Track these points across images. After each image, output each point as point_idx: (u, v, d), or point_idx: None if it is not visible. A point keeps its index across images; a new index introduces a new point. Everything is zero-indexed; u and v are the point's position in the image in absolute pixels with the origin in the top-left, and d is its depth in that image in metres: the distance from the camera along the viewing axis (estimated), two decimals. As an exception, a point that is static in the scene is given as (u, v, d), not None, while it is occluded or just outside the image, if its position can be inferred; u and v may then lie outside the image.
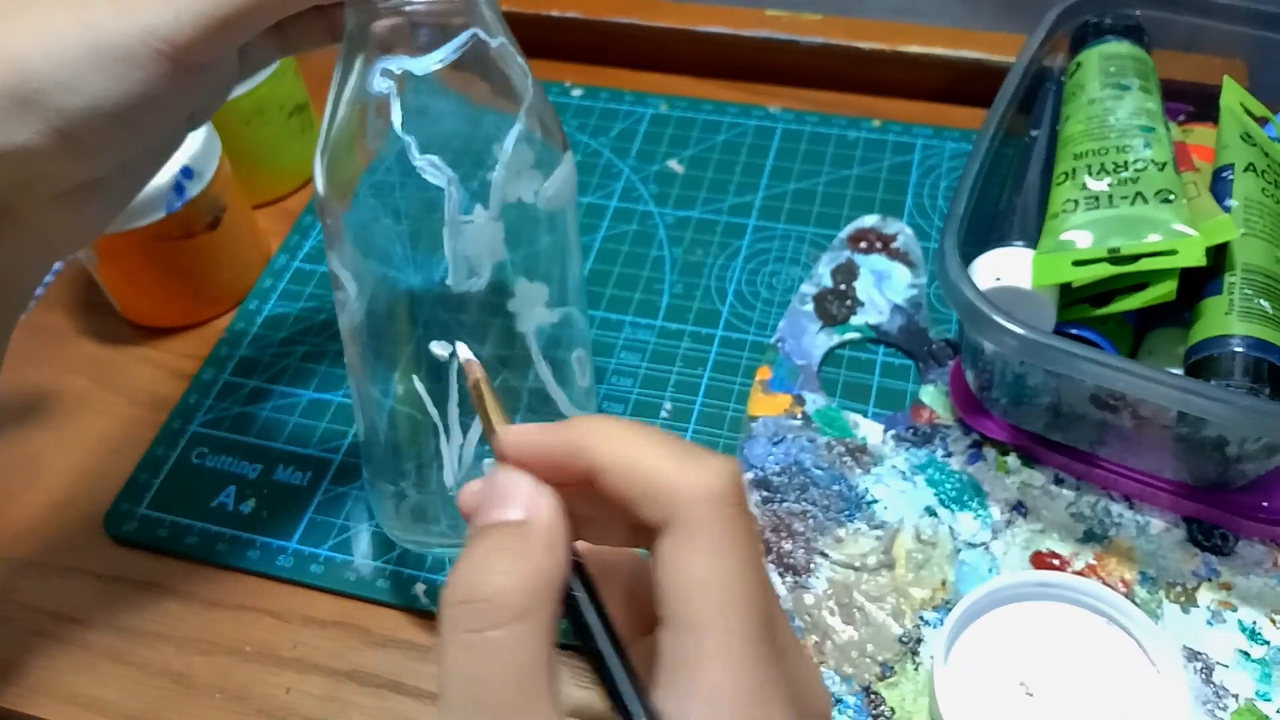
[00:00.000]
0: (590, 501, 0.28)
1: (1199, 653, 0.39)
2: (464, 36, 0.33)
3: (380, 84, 0.33)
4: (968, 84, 0.58)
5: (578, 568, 0.27)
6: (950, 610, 0.38)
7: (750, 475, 0.44)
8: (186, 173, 0.47)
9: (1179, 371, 0.40)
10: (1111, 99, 0.43)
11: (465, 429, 0.36)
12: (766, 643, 0.25)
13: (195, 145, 0.48)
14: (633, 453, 0.26)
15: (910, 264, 0.51)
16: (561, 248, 0.37)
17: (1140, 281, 0.39)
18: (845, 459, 0.45)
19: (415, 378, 0.36)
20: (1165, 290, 0.38)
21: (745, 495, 0.26)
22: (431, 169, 0.33)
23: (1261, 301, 0.38)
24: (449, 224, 0.33)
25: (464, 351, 0.30)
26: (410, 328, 0.36)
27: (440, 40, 0.33)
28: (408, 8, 0.33)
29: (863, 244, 0.52)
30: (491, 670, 0.24)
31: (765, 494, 0.44)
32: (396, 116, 0.33)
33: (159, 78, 0.31)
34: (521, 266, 0.35)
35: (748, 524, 0.26)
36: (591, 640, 0.26)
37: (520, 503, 0.26)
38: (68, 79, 0.30)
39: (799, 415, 0.46)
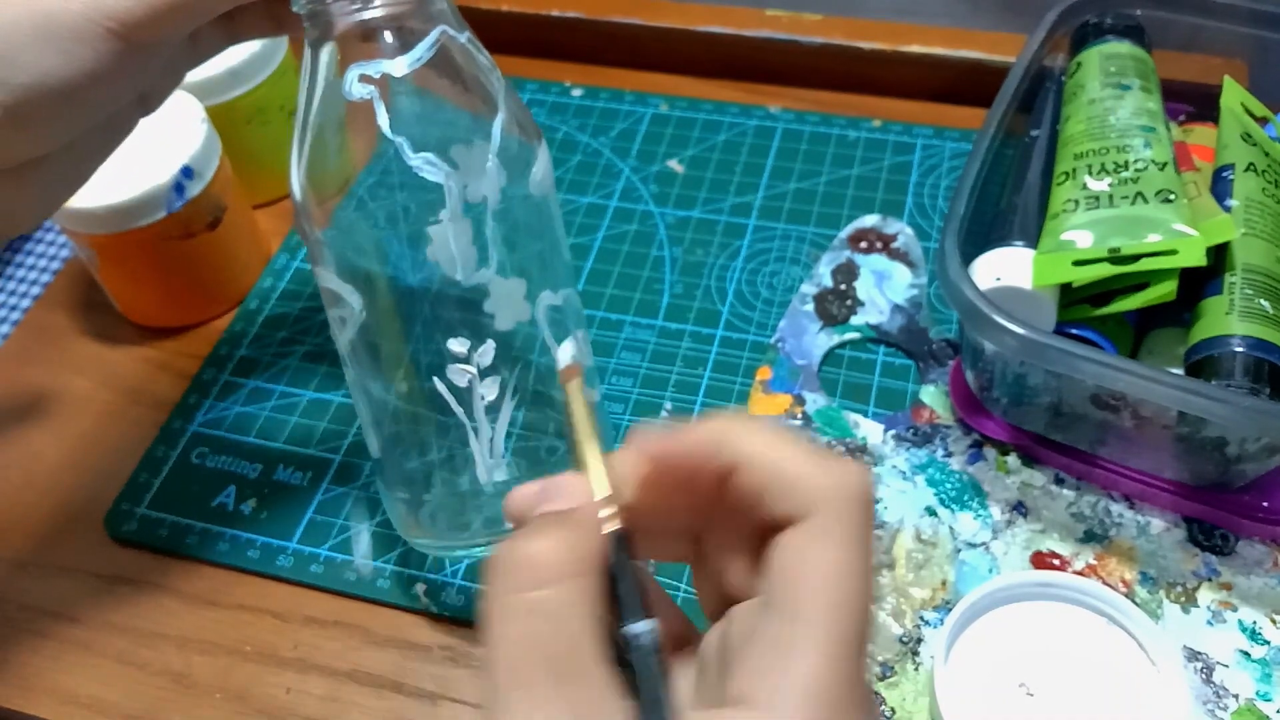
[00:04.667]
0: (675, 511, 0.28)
1: (1199, 653, 0.39)
2: (435, 33, 0.33)
3: (360, 89, 0.33)
4: (968, 84, 0.58)
5: (627, 558, 0.27)
6: (950, 610, 0.38)
7: (750, 475, 0.44)
8: (187, 173, 0.47)
9: (1179, 371, 0.40)
10: (1112, 99, 0.43)
11: (493, 423, 0.36)
12: (863, 648, 0.25)
13: (195, 145, 0.48)
14: (776, 448, 0.27)
15: (910, 264, 0.51)
16: (551, 233, 0.37)
17: (1141, 281, 0.39)
18: (846, 459, 0.45)
19: (436, 379, 0.36)
20: (1166, 290, 0.38)
21: (873, 503, 0.27)
22: (429, 166, 0.33)
23: (1262, 301, 0.38)
24: (452, 218, 0.33)
25: (566, 354, 0.31)
26: (411, 330, 0.36)
27: (401, 43, 0.33)
28: (366, 14, 0.33)
29: (863, 244, 0.52)
30: (544, 627, 0.24)
31: (765, 494, 0.44)
32: (384, 119, 0.33)
33: (107, 55, 0.31)
34: (515, 256, 0.35)
35: (871, 531, 0.26)
36: (630, 626, 0.26)
37: (573, 496, 0.27)
38: (12, 53, 0.30)
39: (799, 415, 0.46)
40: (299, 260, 0.55)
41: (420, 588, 0.42)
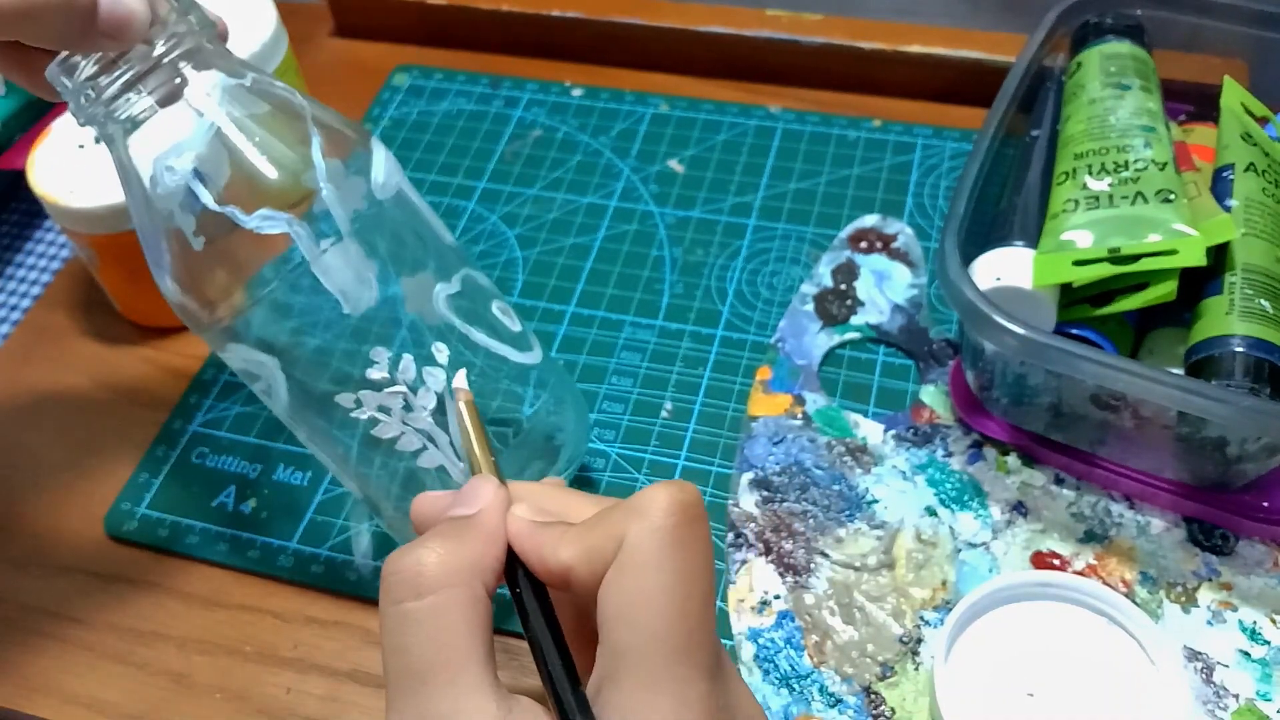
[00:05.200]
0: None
1: (1199, 653, 0.39)
2: (205, 125, 0.32)
3: (171, 179, 0.32)
4: (968, 84, 0.58)
5: (527, 575, 0.28)
6: (951, 610, 0.38)
7: (750, 475, 0.44)
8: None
9: (1179, 371, 0.40)
10: (1112, 99, 0.43)
11: (444, 427, 0.36)
12: (691, 664, 0.26)
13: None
14: (587, 535, 0.27)
15: (911, 264, 0.51)
16: (419, 223, 0.37)
17: (1141, 281, 0.39)
18: (845, 459, 0.45)
19: (375, 412, 0.35)
20: (1166, 290, 0.38)
21: (691, 514, 0.27)
22: (265, 222, 0.32)
23: (1262, 301, 0.38)
24: (312, 261, 0.33)
25: (460, 380, 0.32)
26: (339, 369, 0.35)
27: (171, 82, 0.33)
28: (138, 106, 0.32)
29: (863, 244, 0.52)
30: (413, 639, 0.26)
31: (765, 494, 0.44)
32: (206, 195, 0.32)
33: None
34: (396, 260, 0.35)
35: (690, 543, 0.26)
36: (532, 633, 0.27)
37: (478, 503, 0.28)
38: None
39: (799, 415, 0.46)
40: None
41: (420, 588, 0.42)
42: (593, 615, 0.27)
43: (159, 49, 0.32)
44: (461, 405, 0.31)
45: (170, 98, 0.33)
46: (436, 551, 0.26)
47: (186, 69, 0.33)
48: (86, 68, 0.32)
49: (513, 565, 0.28)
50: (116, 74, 0.32)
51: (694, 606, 0.26)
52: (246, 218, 0.32)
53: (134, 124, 0.32)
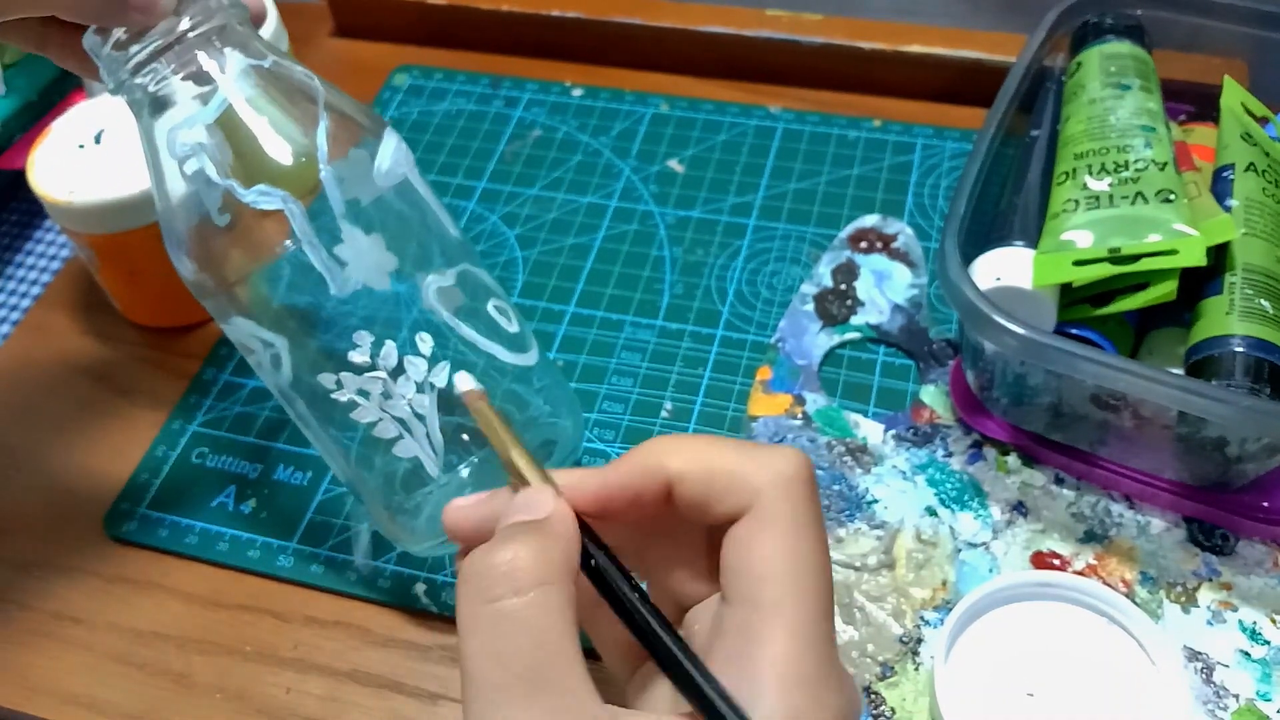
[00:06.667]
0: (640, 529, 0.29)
1: (1199, 653, 0.39)
2: (218, 99, 0.34)
3: (183, 148, 0.33)
4: (968, 84, 0.58)
5: (621, 570, 0.28)
6: (951, 610, 0.38)
7: (750, 475, 0.44)
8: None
9: (1179, 371, 0.40)
10: (1112, 99, 0.43)
11: (421, 417, 0.36)
12: (827, 623, 0.26)
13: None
14: (706, 454, 0.27)
15: (911, 264, 0.51)
16: (422, 214, 0.37)
17: (1141, 281, 0.39)
18: (846, 459, 0.45)
19: (354, 395, 0.36)
20: (1166, 290, 0.38)
21: (816, 482, 0.27)
22: (262, 198, 0.33)
23: (1262, 301, 0.38)
24: (303, 239, 0.34)
25: (464, 382, 0.30)
26: (333, 347, 0.36)
27: (194, 56, 0.34)
28: (169, 80, 0.33)
29: (863, 244, 0.52)
30: (517, 641, 0.24)
31: (765, 494, 0.44)
32: (211, 169, 0.33)
33: None
34: (394, 249, 0.36)
35: (818, 509, 0.27)
36: (643, 628, 0.27)
37: (543, 509, 0.27)
38: None
39: (799, 415, 0.46)
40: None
41: (420, 588, 0.42)
42: (674, 531, 0.28)
43: (185, 24, 0.33)
44: (479, 406, 0.30)
45: (192, 72, 0.34)
46: (529, 547, 0.25)
47: (210, 45, 0.34)
48: (119, 36, 0.33)
49: (594, 548, 0.27)
50: (144, 43, 0.33)
51: (829, 567, 0.27)
52: (245, 192, 0.33)
53: (159, 98, 0.33)
